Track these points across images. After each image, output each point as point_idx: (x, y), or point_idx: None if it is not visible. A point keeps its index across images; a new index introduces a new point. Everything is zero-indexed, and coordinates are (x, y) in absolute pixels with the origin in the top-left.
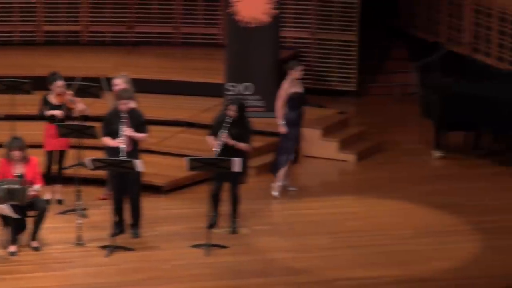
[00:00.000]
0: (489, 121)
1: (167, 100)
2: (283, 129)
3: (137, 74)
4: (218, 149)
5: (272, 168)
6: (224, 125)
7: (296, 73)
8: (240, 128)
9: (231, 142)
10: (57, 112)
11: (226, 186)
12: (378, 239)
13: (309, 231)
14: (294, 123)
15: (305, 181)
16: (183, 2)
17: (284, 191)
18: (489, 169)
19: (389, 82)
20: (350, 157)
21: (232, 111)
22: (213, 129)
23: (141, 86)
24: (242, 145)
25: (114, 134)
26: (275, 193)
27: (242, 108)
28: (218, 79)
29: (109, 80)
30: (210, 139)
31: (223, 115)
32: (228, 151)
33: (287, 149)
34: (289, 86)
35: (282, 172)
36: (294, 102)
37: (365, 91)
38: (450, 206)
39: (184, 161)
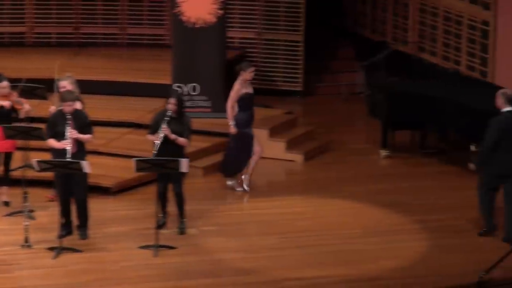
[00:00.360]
0: (435, 120)
1: (114, 101)
2: (233, 130)
3: (84, 75)
4: (159, 142)
5: (231, 170)
6: (164, 118)
7: (247, 74)
8: (179, 124)
9: (172, 136)
10: (5, 103)
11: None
12: (326, 239)
13: (257, 231)
14: (246, 123)
15: (253, 181)
16: (128, 2)
17: (232, 191)
18: (435, 168)
19: (335, 81)
20: (297, 157)
21: (172, 104)
22: (152, 128)
23: (88, 87)
24: (181, 140)
25: (59, 136)
26: (246, 187)
27: (181, 102)
28: (165, 80)
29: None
30: (150, 137)
31: (161, 114)
32: (167, 147)
33: (245, 149)
34: (241, 87)
35: (252, 164)
36: (245, 102)
37: (312, 91)
38: (397, 205)
39: (132, 162)
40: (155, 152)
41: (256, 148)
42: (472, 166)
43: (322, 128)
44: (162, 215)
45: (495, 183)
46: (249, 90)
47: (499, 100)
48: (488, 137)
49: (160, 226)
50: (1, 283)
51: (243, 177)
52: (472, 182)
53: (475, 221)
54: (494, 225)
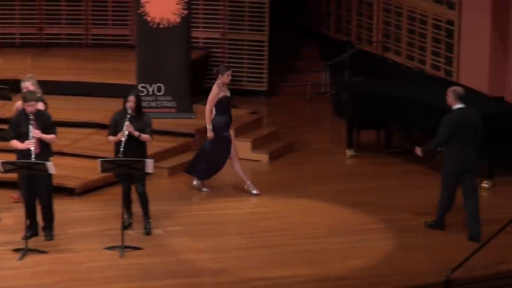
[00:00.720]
0: (400, 119)
1: (79, 102)
2: (210, 134)
3: (48, 76)
4: (124, 139)
5: (206, 172)
6: (126, 116)
7: (225, 77)
8: (140, 121)
9: (136, 133)
10: None
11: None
12: (292, 239)
13: (223, 231)
14: (225, 126)
15: (218, 182)
16: (92, 3)
17: (198, 192)
18: (400, 167)
19: (300, 81)
20: (263, 157)
21: (131, 102)
22: (112, 129)
23: (52, 88)
24: (145, 137)
25: (22, 137)
26: (254, 191)
27: (139, 99)
28: (130, 80)
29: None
30: (112, 138)
31: (119, 114)
32: (130, 145)
33: (223, 152)
34: (219, 91)
35: (241, 171)
36: (223, 106)
37: (277, 91)
38: (363, 205)
39: (97, 163)
40: (122, 149)
41: (232, 150)
42: (419, 151)
43: (287, 128)
44: (127, 216)
45: (456, 181)
46: (227, 93)
47: (450, 98)
48: (439, 134)
49: (126, 227)
50: None
51: (245, 186)
52: (437, 181)
53: None
54: (443, 225)
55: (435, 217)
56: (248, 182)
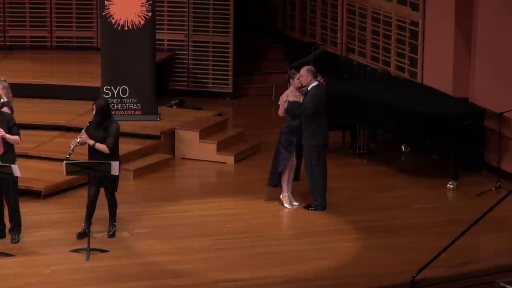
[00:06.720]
0: (365, 120)
1: (44, 104)
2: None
3: (12, 79)
4: (73, 146)
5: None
6: (88, 124)
7: (296, 81)
8: (104, 130)
9: (90, 141)
10: None
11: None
12: (258, 240)
13: (189, 233)
14: (296, 131)
15: (184, 184)
16: (56, 5)
17: (162, 194)
18: (366, 168)
19: (265, 83)
20: (228, 158)
21: (93, 110)
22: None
23: (17, 90)
24: (99, 146)
25: None
26: (287, 204)
27: (102, 107)
28: (95, 83)
29: None
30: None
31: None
32: (98, 152)
33: (283, 156)
34: (292, 95)
35: (286, 180)
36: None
37: (242, 92)
38: (329, 206)
39: (62, 165)
40: (68, 156)
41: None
42: (283, 102)
43: (253, 129)
44: (87, 219)
45: (323, 153)
46: (299, 98)
47: (308, 77)
48: (311, 105)
49: (81, 234)
50: None
51: (281, 196)
52: (403, 182)
53: (406, 221)
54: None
55: (315, 200)
56: (286, 194)
